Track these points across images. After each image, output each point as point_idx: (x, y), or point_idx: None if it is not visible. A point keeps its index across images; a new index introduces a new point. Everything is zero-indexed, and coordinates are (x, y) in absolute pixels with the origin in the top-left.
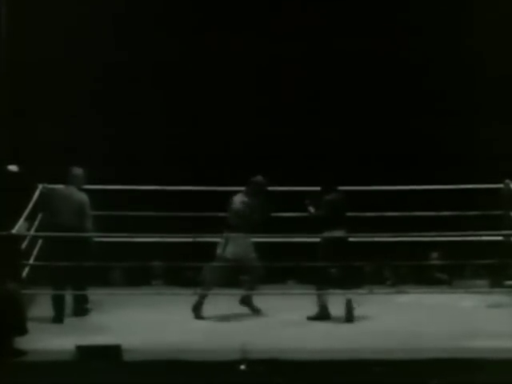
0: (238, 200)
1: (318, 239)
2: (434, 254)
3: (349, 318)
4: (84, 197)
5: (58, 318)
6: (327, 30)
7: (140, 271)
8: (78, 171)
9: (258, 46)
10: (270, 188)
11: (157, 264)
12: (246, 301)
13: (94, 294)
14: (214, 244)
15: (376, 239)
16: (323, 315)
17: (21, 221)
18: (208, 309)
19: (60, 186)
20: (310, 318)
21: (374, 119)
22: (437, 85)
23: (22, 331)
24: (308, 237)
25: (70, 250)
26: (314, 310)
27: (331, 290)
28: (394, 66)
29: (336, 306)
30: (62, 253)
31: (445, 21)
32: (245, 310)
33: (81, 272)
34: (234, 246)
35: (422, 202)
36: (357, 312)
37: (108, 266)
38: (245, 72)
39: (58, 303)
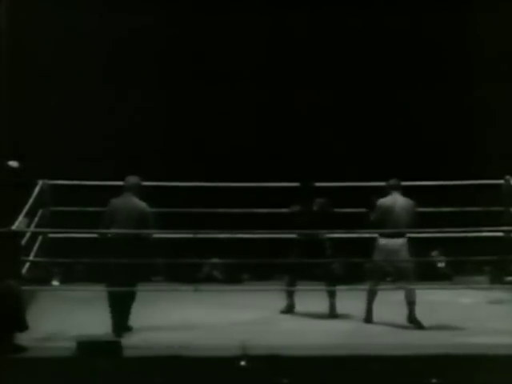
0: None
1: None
2: (435, 253)
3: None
4: (144, 206)
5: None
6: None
7: (141, 267)
8: (134, 179)
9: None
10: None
11: (158, 260)
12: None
13: (95, 291)
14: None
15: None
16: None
17: (21, 217)
18: (209, 305)
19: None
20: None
21: (374, 117)
22: (438, 83)
23: (22, 327)
24: (305, 233)
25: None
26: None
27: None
28: (397, 61)
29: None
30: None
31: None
32: (245, 305)
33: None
34: None
35: (423, 198)
36: (357, 308)
37: (108, 262)
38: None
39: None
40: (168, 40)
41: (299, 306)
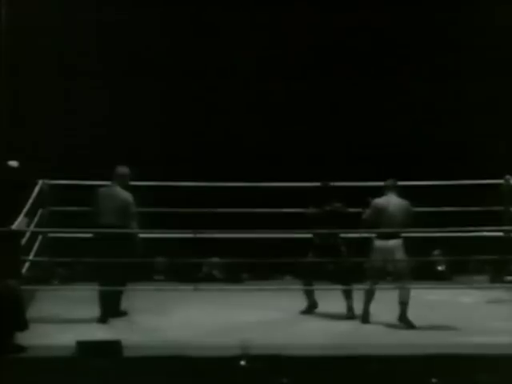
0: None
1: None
2: (436, 251)
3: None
4: (128, 196)
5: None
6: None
7: (142, 267)
8: (124, 170)
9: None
10: None
11: (160, 260)
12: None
13: (95, 291)
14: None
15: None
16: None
17: (21, 217)
18: (211, 305)
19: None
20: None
21: (376, 117)
22: (437, 82)
23: (23, 327)
24: (305, 233)
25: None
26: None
27: (329, 286)
28: (395, 63)
29: (335, 302)
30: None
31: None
32: (245, 305)
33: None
34: None
35: (423, 197)
36: (356, 308)
37: (108, 262)
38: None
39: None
40: (167, 36)
41: (301, 306)
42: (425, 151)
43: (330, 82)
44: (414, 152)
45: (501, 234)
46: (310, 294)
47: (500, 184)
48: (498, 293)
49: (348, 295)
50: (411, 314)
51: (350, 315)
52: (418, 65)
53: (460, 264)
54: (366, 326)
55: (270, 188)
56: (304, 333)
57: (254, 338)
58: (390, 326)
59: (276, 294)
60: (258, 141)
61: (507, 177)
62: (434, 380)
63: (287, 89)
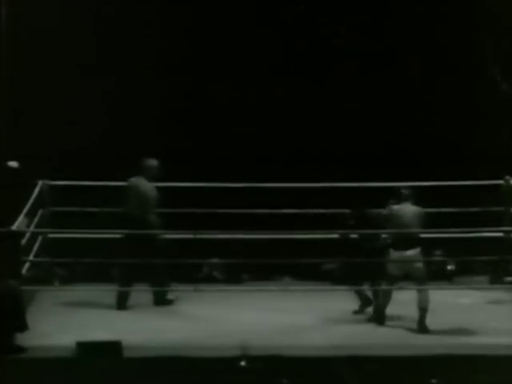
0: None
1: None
2: (438, 252)
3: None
4: (148, 188)
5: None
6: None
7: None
8: (151, 162)
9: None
10: None
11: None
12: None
13: (96, 291)
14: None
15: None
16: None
17: (21, 217)
18: (211, 306)
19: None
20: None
21: (376, 118)
22: (437, 82)
23: (23, 328)
24: (306, 234)
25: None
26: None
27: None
28: (394, 62)
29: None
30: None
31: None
32: (245, 306)
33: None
34: None
35: (423, 198)
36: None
37: (109, 262)
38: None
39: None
40: (169, 32)
41: (302, 306)
42: (425, 152)
43: (331, 82)
44: (414, 153)
45: (501, 234)
46: (361, 293)
47: (500, 184)
48: (497, 293)
49: (375, 295)
50: (411, 314)
51: (374, 316)
52: (418, 65)
53: (464, 265)
54: (366, 327)
55: (271, 188)
56: (305, 333)
57: (254, 339)
58: (390, 326)
59: (276, 295)
60: (258, 141)
61: (507, 177)
62: (433, 380)
63: (287, 89)
